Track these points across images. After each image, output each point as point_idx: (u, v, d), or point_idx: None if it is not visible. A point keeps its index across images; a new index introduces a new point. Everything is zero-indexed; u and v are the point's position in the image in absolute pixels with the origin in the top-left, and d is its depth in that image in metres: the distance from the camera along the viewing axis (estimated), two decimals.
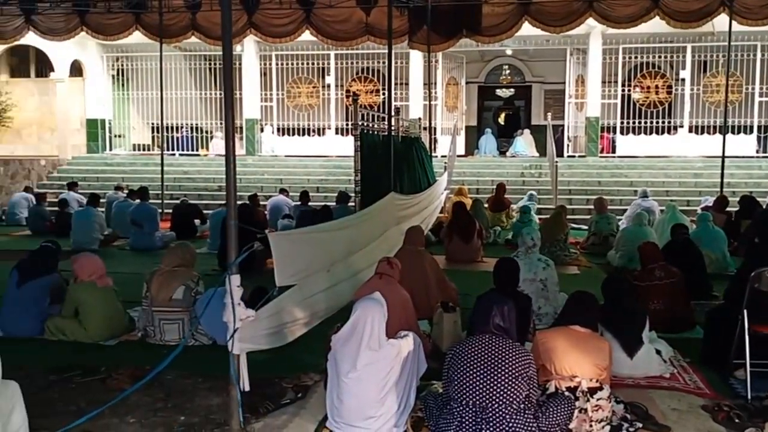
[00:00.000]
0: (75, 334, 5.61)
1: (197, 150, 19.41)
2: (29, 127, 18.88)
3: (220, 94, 19.39)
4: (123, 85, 19.83)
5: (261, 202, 12.74)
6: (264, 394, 4.36)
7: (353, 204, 8.99)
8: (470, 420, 3.33)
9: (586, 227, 11.31)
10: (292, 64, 18.74)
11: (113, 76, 19.69)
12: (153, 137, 20.22)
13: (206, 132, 20.02)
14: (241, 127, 18.73)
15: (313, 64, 18.74)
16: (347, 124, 18.91)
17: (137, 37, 14.22)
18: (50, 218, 12.18)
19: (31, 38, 15.07)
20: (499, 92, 22.90)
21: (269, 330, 4.36)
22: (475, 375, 3.34)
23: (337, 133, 19.09)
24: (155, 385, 4.52)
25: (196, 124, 19.79)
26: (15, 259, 8.62)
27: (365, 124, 8.85)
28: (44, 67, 19.33)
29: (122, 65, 19.55)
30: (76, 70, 19.10)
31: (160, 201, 13.47)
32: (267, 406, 4.20)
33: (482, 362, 3.36)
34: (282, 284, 4.48)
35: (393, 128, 9.18)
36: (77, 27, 13.33)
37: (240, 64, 18.52)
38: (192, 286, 5.58)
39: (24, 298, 5.77)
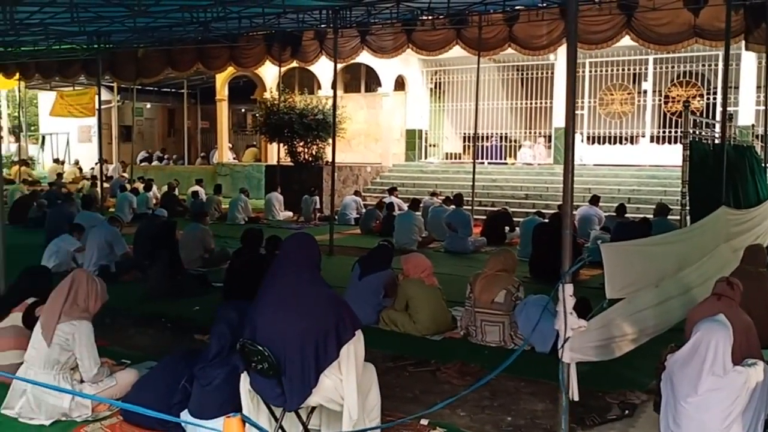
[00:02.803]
0: (405, 327, 6.12)
1: (505, 159, 19.82)
2: (358, 137, 20.98)
3: (530, 103, 19.62)
4: (439, 97, 21.10)
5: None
6: (588, 406, 4.32)
7: (677, 217, 8.44)
8: None
9: None
10: (606, 70, 18.20)
11: (431, 89, 21.07)
12: (464, 146, 21.15)
13: (514, 141, 20.37)
14: (550, 136, 18.76)
15: (628, 69, 17.98)
16: (664, 132, 17.81)
17: (455, 51, 15.00)
18: (378, 219, 13.39)
19: (362, 57, 16.76)
20: None
21: (598, 342, 4.29)
22: None
23: (651, 141, 18.06)
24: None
25: (505, 134, 20.23)
26: (346, 254, 9.72)
27: (694, 132, 8.24)
28: (372, 82, 21.39)
29: (439, 78, 20.82)
30: (399, 84, 20.80)
31: (470, 207, 14.01)
32: (593, 419, 4.16)
33: None
34: (612, 297, 4.38)
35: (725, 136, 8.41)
36: (404, 45, 14.42)
37: (552, 73, 18.54)
38: (513, 291, 5.74)
39: (364, 289, 6.44)
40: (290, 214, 15.95)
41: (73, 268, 8.50)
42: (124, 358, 5.19)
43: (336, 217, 14.87)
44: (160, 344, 5.89)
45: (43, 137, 31.30)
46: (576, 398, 3.96)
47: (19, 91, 25.54)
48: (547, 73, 18.90)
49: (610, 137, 18.61)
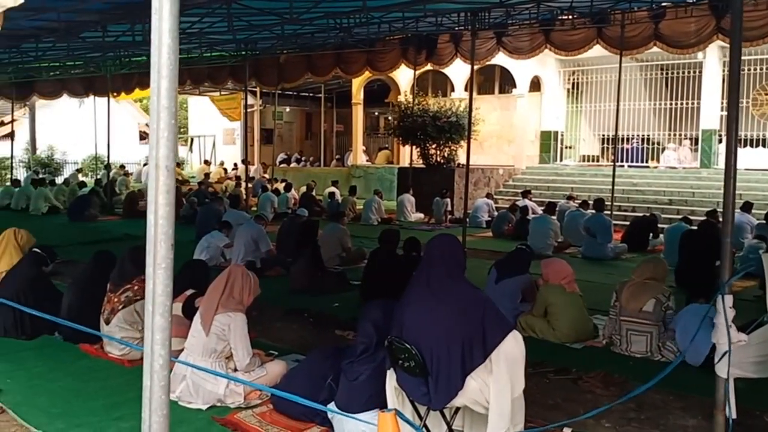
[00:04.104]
0: (544, 333, 6.02)
1: (646, 162, 18.98)
2: (490, 139, 20.83)
3: (674, 104, 18.69)
4: (576, 97, 20.54)
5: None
6: (745, 425, 4.08)
7: None
8: None
9: None
10: (761, 68, 16.98)
11: (568, 89, 20.55)
12: (602, 149, 20.46)
13: (656, 143, 19.46)
14: (697, 138, 17.78)
15: None
16: None
17: (594, 50, 14.53)
18: (511, 223, 13.22)
19: (497, 58, 16.60)
20: None
21: (758, 358, 4.01)
22: None
23: None
24: (626, 394, 4.59)
25: (647, 135, 19.38)
26: (478, 257, 9.70)
27: None
28: (506, 83, 21.16)
29: (577, 79, 20.26)
30: (534, 85, 20.44)
31: (608, 212, 13.53)
32: None
33: None
34: None
35: None
36: (541, 45, 14.15)
37: (699, 72, 17.57)
38: (663, 300, 5.49)
39: (500, 293, 6.38)
40: (421, 215, 16.07)
41: (221, 262, 9.05)
42: (271, 349, 5.45)
43: (467, 220, 14.88)
44: (303, 338, 6.14)
45: (191, 139, 33.47)
46: (734, 416, 3.74)
47: None
48: (693, 72, 17.93)
49: (763, 140, 17.35)
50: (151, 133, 1.63)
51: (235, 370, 4.58)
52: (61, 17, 8.68)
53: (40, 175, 21.87)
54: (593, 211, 11.53)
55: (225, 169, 26.44)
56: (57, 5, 7.81)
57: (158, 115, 1.61)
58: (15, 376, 4.95)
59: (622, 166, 18.24)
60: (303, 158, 28.43)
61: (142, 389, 1.71)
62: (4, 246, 6.74)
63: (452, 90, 21.51)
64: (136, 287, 5.39)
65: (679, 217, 12.38)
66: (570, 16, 12.94)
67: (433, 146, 17.48)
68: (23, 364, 5.24)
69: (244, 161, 17.68)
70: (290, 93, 27.56)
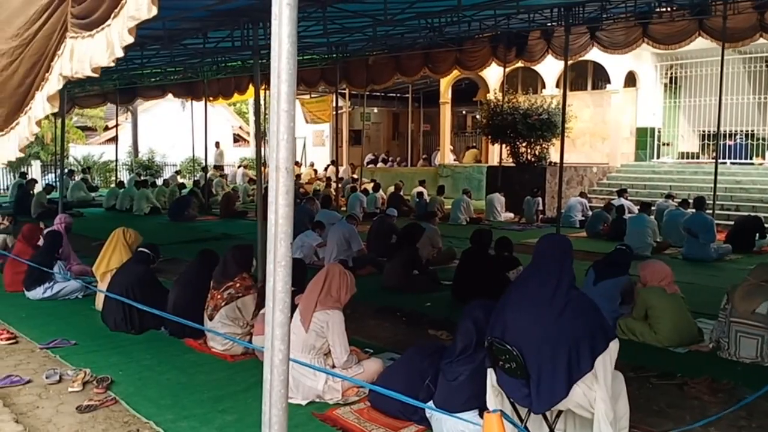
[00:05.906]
0: (645, 336, 5.83)
1: (751, 158, 18.03)
2: (583, 137, 20.30)
3: None
4: (674, 92, 19.75)
5: None
6: None
7: None
8: None
9: None
10: None
11: (665, 84, 19.79)
12: (701, 145, 19.60)
13: (762, 139, 18.45)
14: None
15: None
16: None
17: (694, 43, 13.91)
18: (606, 222, 12.84)
19: (590, 53, 16.13)
20: None
21: None
22: None
23: None
24: (734, 401, 4.40)
25: (751, 131, 18.41)
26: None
27: None
28: (599, 79, 20.57)
29: (675, 73, 19.48)
30: (629, 80, 19.79)
31: (710, 211, 12.93)
32: None
33: None
34: None
35: None
36: (638, 39, 13.67)
37: None
38: None
39: (598, 295, 6.18)
40: (511, 215, 15.86)
41: (315, 261, 9.23)
42: (365, 347, 5.51)
43: (560, 219, 14.55)
44: (397, 336, 6.18)
45: None
46: None
47: (265, 99, 28.15)
48: None
49: None
50: (271, 136, 1.69)
51: (333, 367, 4.66)
52: (166, 25, 9.07)
53: (143, 177, 22.90)
54: (693, 210, 11.07)
55: (315, 170, 26.93)
56: (162, 14, 8.16)
57: (278, 119, 1.66)
58: (126, 368, 5.22)
59: (725, 163, 17.39)
60: (390, 158, 28.58)
61: (263, 383, 1.76)
62: (114, 244, 7.09)
63: (543, 87, 21.12)
64: (237, 284, 5.58)
65: None
66: (668, 9, 12.44)
67: (524, 144, 17.21)
68: (134, 356, 5.52)
69: (333, 162, 17.94)
70: (377, 94, 27.75)
